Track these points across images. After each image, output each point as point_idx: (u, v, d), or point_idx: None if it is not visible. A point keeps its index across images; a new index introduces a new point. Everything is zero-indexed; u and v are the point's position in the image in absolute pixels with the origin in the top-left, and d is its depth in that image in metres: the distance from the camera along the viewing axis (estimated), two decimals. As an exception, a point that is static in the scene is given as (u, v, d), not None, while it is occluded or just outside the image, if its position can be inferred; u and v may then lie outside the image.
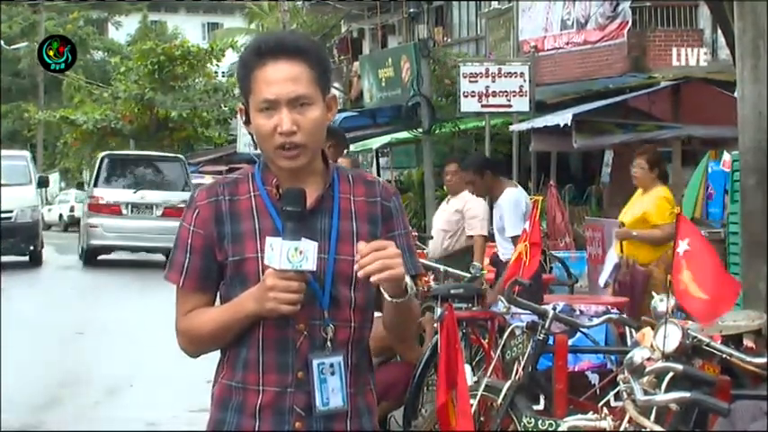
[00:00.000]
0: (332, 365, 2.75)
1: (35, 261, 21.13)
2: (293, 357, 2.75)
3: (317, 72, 2.79)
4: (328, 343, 2.76)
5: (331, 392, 2.75)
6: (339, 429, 2.78)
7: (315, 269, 2.68)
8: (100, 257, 21.62)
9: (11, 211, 20.08)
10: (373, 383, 2.92)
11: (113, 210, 20.76)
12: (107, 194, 21.01)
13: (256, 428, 2.76)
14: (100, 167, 21.58)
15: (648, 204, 8.51)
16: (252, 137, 2.97)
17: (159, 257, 20.04)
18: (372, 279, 2.64)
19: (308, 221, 2.74)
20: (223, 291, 2.83)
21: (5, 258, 19.50)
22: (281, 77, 2.74)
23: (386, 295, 2.72)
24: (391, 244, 2.70)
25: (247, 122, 2.83)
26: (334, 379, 2.75)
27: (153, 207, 20.89)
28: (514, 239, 7.50)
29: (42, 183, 22.23)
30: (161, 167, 22.33)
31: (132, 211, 20.84)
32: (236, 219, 2.80)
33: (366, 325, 2.84)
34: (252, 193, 2.82)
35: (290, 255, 2.65)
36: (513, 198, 7.98)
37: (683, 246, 4.10)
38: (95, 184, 21.39)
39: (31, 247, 20.88)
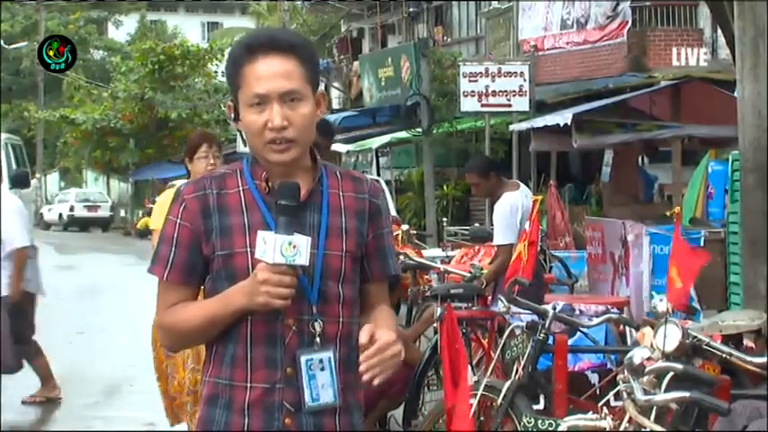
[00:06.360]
0: (321, 361, 2.73)
1: None
2: (281, 353, 2.72)
3: (308, 68, 2.76)
4: (317, 338, 2.73)
5: (321, 388, 2.72)
6: (329, 425, 2.76)
7: (308, 264, 2.66)
8: None
9: None
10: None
11: None
12: None
13: (245, 426, 2.73)
14: None
15: None
16: (240, 134, 2.91)
17: None
18: (375, 381, 2.67)
19: (298, 216, 2.72)
20: (208, 285, 2.78)
21: None
22: (272, 73, 2.71)
23: None
24: (393, 342, 2.69)
25: (236, 119, 2.80)
26: (324, 374, 2.73)
27: None
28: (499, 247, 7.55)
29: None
30: None
31: None
32: (224, 212, 2.76)
33: (354, 321, 2.81)
34: (240, 188, 2.79)
35: (283, 249, 2.62)
36: (508, 205, 7.64)
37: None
38: None
39: None
